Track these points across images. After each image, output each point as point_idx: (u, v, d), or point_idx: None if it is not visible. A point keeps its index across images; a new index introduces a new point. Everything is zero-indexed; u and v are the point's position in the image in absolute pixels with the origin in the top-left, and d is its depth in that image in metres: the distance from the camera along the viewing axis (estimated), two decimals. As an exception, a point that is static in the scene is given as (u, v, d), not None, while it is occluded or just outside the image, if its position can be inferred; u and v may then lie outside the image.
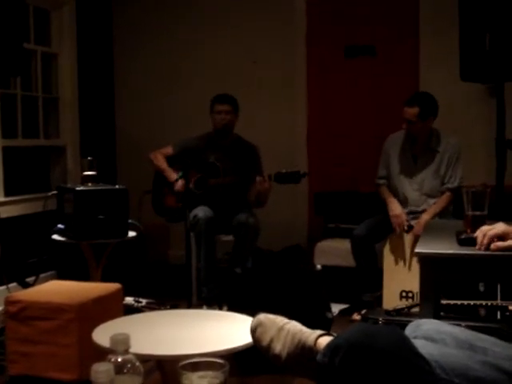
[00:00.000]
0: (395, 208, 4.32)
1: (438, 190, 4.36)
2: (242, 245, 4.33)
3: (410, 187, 4.41)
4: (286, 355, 1.76)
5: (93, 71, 5.93)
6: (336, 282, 4.53)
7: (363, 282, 4.37)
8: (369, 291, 4.35)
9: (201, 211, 4.27)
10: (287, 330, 1.79)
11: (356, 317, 4.19)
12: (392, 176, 4.47)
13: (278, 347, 1.78)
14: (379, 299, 4.28)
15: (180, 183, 4.43)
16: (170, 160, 4.64)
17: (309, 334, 1.76)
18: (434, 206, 4.30)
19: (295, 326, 1.82)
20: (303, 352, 1.74)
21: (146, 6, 6.13)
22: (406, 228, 4.25)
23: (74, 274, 4.07)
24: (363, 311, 4.11)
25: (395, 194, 4.44)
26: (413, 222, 4.29)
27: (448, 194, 4.32)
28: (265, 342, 1.80)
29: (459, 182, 4.31)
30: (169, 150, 4.69)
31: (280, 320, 1.84)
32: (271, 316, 1.86)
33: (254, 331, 1.84)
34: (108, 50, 6.20)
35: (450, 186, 4.32)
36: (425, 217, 4.23)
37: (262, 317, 1.85)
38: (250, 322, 1.87)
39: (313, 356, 1.70)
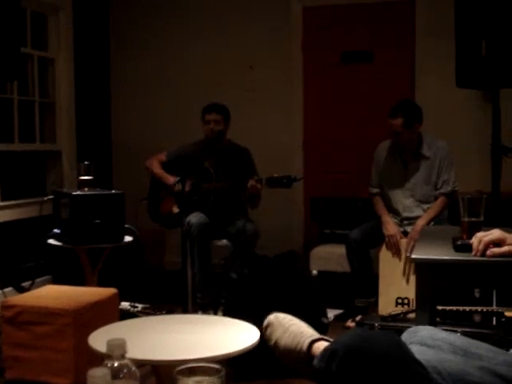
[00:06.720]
0: (391, 228, 4.29)
1: (430, 195, 4.35)
2: (241, 251, 4.33)
3: (402, 194, 4.39)
4: (286, 356, 1.79)
5: (89, 76, 5.93)
6: (332, 287, 4.53)
7: (357, 286, 4.37)
8: (362, 297, 4.34)
9: (194, 217, 4.27)
10: (290, 332, 1.81)
11: (349, 324, 4.18)
12: (384, 184, 4.46)
13: (281, 348, 1.81)
14: (373, 305, 4.28)
15: (178, 186, 4.42)
16: (166, 167, 4.64)
17: (306, 338, 1.77)
18: (428, 212, 4.29)
19: (299, 327, 1.84)
20: (299, 356, 1.75)
21: (143, 12, 6.14)
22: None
23: (69, 278, 4.06)
24: (357, 317, 4.11)
25: (388, 201, 4.44)
26: (408, 228, 4.29)
27: (442, 198, 4.31)
28: (271, 342, 1.85)
29: (453, 186, 4.30)
30: (163, 157, 4.69)
31: (287, 321, 1.87)
32: (281, 315, 1.89)
33: (264, 331, 1.89)
34: (105, 54, 6.20)
35: (443, 191, 4.31)
36: (420, 222, 4.22)
37: (272, 317, 1.89)
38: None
39: (307, 360, 1.71)
